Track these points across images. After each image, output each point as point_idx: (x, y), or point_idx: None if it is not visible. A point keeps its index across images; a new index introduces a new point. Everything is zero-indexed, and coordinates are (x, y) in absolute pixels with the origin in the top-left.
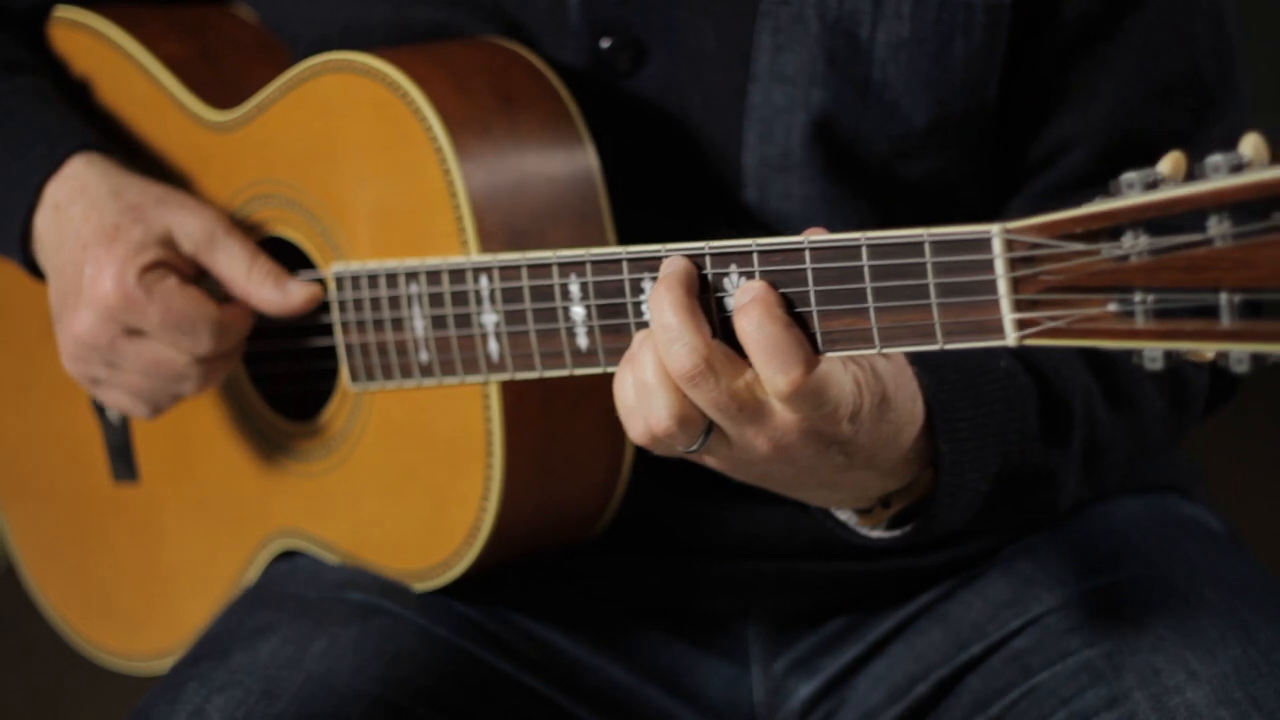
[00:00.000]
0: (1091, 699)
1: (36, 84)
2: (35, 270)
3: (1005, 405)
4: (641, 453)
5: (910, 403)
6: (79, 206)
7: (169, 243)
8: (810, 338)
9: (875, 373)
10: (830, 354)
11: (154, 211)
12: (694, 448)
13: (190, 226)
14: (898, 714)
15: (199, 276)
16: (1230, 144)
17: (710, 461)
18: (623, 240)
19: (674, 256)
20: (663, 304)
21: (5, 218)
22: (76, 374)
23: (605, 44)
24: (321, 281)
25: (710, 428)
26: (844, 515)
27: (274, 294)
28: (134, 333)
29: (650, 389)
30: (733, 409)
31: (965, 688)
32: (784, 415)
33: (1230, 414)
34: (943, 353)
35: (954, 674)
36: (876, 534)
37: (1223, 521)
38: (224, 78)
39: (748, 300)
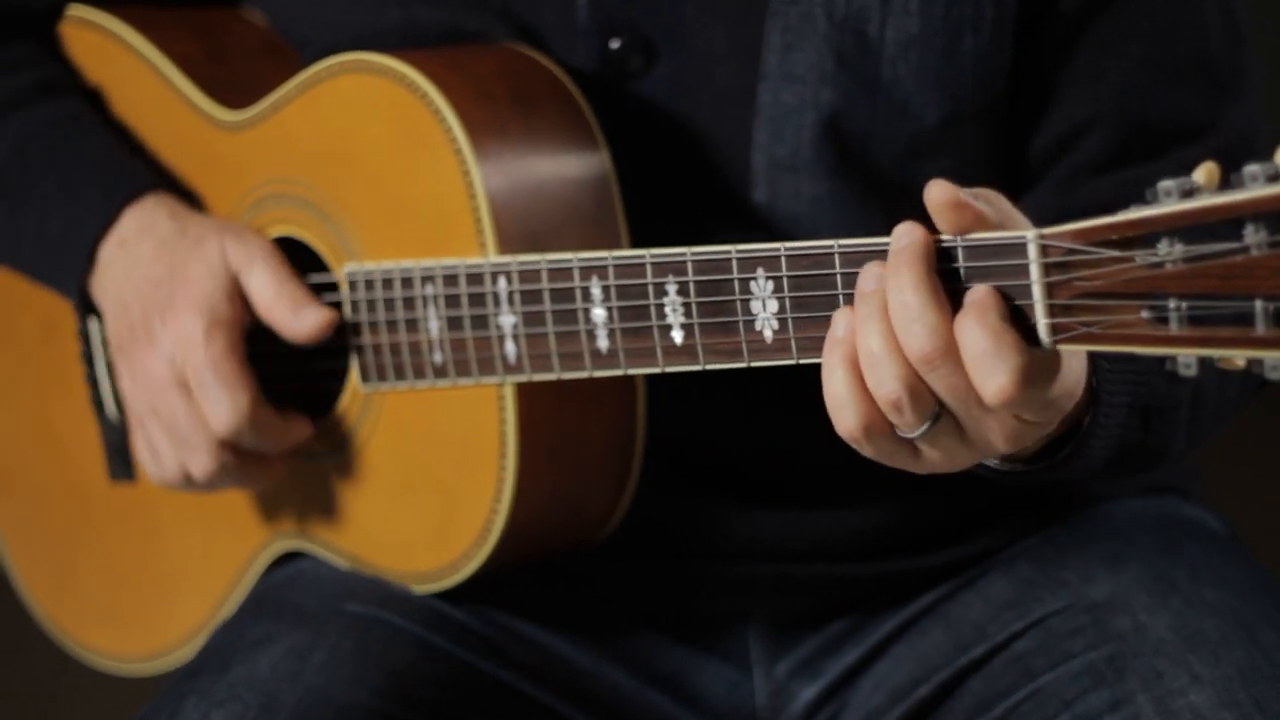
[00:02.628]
0: (1094, 701)
1: (75, 108)
2: (87, 305)
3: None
4: (649, 458)
5: None
6: (148, 245)
7: (236, 293)
8: (1029, 330)
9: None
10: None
11: (212, 240)
12: (918, 432)
13: (235, 251)
14: (900, 715)
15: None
16: (1248, 133)
17: (927, 453)
18: (632, 240)
19: (911, 226)
20: (903, 281)
21: (62, 263)
22: (133, 407)
23: (615, 44)
24: (334, 285)
25: (939, 415)
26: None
27: (288, 317)
28: (184, 387)
29: (878, 360)
30: (972, 397)
31: (967, 690)
32: None
33: None
34: None
35: (956, 676)
36: (1012, 467)
37: (1222, 522)
38: (235, 78)
39: (967, 304)
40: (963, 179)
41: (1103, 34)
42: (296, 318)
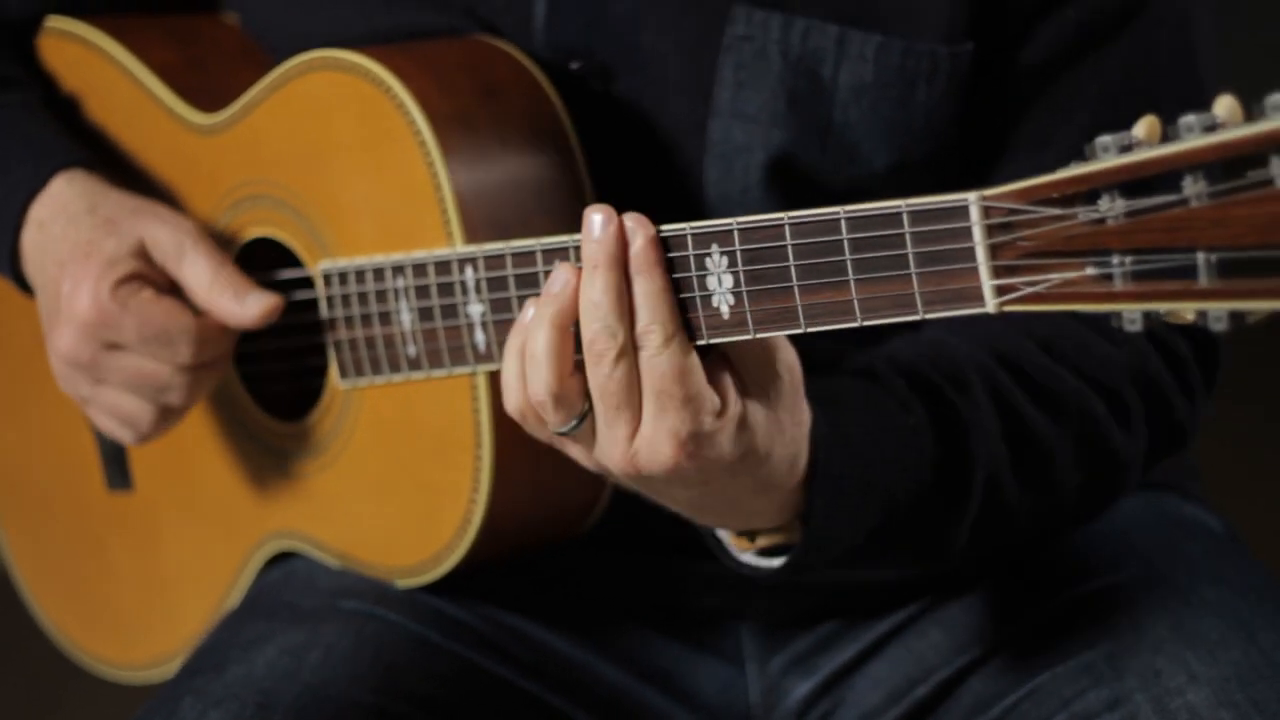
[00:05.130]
0: (1093, 700)
1: (25, 99)
2: (27, 288)
3: (899, 467)
4: None
5: (789, 461)
6: (59, 225)
7: (142, 254)
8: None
9: (748, 424)
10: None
11: (127, 223)
12: (564, 429)
13: (160, 236)
14: (897, 715)
15: (175, 287)
16: None
17: (573, 450)
18: None
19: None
20: (594, 281)
21: None
22: (69, 393)
23: (574, 66)
24: (308, 280)
25: (584, 416)
26: (722, 533)
27: (232, 305)
28: (114, 347)
29: (537, 362)
30: (621, 395)
31: (966, 689)
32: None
33: (1229, 414)
34: (854, 394)
35: (955, 676)
36: (746, 559)
37: (1222, 521)
38: (213, 84)
39: (636, 246)
40: None
41: (1053, 98)
42: (241, 304)
